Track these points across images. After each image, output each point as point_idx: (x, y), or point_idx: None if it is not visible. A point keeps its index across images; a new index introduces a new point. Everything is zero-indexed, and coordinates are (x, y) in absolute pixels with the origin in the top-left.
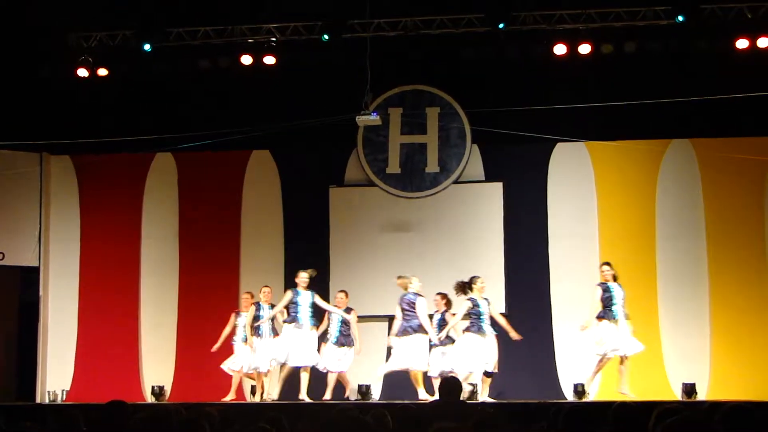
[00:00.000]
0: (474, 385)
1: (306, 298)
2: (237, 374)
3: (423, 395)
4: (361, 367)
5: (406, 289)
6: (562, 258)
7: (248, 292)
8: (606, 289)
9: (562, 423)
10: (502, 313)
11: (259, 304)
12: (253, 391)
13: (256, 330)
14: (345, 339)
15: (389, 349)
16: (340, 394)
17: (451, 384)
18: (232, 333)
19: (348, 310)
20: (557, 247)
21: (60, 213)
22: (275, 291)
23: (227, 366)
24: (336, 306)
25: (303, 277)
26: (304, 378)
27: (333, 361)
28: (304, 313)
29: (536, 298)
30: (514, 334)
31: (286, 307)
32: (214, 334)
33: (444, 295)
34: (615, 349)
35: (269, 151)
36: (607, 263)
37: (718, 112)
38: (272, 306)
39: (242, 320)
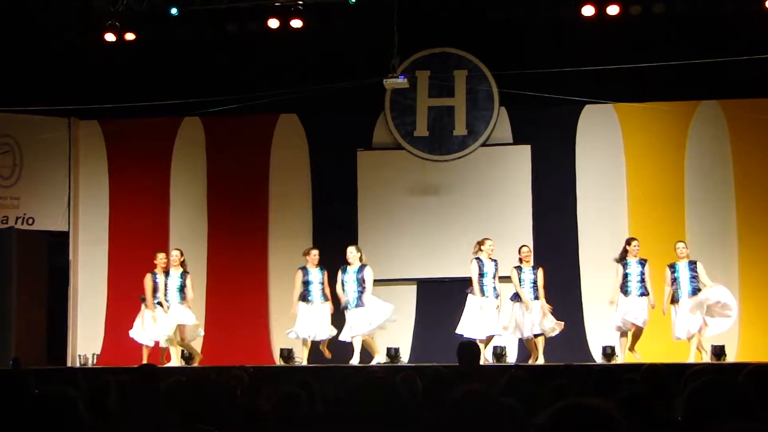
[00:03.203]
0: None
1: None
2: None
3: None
4: (392, 330)
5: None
6: (591, 221)
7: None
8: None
9: (592, 385)
10: None
11: (306, 269)
12: (282, 355)
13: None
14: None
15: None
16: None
17: (469, 348)
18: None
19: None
20: (585, 210)
21: (89, 178)
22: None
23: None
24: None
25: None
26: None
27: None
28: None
29: (565, 261)
30: None
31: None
32: (242, 297)
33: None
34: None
35: (296, 114)
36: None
37: (748, 72)
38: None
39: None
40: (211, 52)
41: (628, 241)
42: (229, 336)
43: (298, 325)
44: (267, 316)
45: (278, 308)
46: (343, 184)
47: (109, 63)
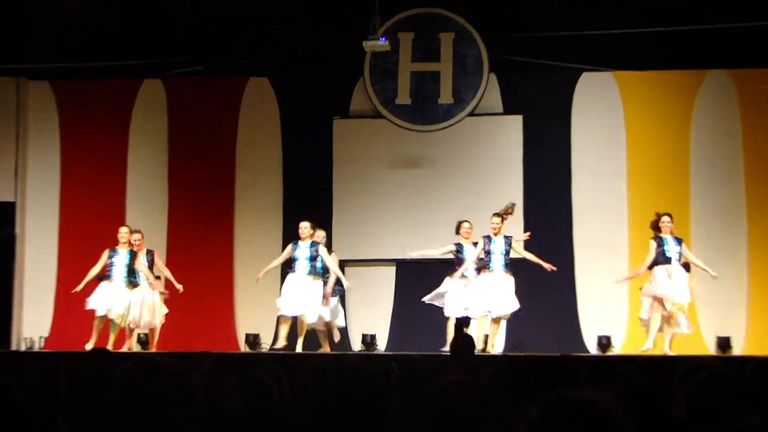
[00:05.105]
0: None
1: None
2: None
3: None
4: (368, 315)
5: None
6: (586, 198)
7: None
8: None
9: (585, 378)
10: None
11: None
12: (247, 340)
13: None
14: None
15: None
16: None
17: (465, 341)
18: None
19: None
20: (581, 187)
21: (38, 144)
22: (274, 231)
23: None
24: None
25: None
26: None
27: None
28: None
29: (558, 242)
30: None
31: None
32: (206, 278)
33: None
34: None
35: (267, 78)
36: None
37: (760, 40)
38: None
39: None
40: (176, 8)
41: (659, 216)
42: (190, 320)
43: None
44: (232, 298)
45: (244, 290)
46: (318, 156)
47: (63, 19)
